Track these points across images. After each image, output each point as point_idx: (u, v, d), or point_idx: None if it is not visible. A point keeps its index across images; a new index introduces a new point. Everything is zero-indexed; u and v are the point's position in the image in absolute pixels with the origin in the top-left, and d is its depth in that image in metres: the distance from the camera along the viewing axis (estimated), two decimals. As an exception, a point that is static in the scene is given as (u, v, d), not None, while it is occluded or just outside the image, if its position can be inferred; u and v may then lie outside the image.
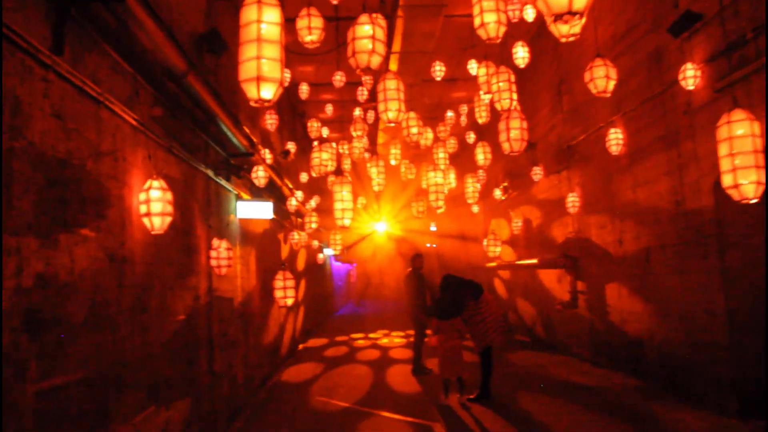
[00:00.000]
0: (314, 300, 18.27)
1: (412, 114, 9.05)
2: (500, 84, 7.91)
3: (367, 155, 15.75)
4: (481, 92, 10.33)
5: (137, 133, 4.28)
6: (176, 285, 5.07)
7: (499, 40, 7.44)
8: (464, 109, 13.82)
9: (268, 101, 4.06)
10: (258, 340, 8.89)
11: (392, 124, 6.78)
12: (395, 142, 13.42)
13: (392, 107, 6.55)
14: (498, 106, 8.09)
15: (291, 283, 8.38)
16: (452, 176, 13.72)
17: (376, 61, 5.07)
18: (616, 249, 8.83)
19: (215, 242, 5.83)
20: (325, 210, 19.71)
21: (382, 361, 11.71)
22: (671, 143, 7.29)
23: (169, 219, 4.07)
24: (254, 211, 7.76)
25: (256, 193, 8.70)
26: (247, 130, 7.45)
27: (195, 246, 5.71)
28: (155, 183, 4.00)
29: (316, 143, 10.43)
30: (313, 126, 12.54)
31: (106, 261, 3.61)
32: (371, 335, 16.15)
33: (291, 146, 13.37)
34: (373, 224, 26.17)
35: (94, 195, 3.53)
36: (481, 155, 11.46)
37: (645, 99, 7.85)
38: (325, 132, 14.31)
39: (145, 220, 3.98)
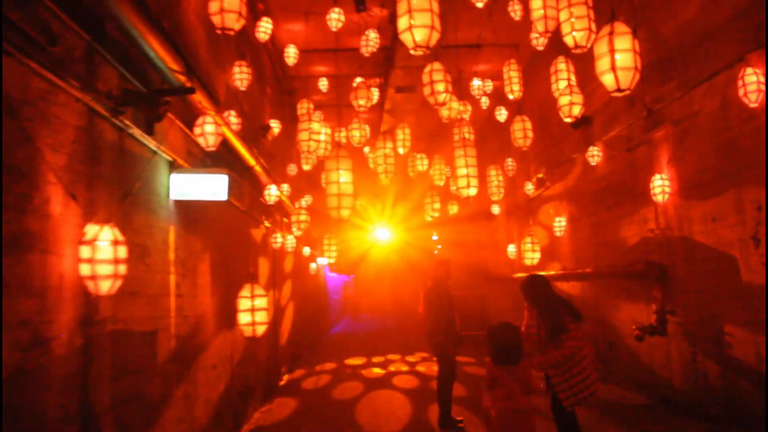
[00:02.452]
0: (304, 318, 15.32)
1: (437, 65, 6.37)
2: (573, 9, 5.14)
3: (367, 149, 13.03)
4: (535, 35, 7.66)
5: None
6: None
7: None
8: (488, 85, 10.95)
9: None
10: (212, 389, 5.95)
11: (420, 52, 4.16)
12: (403, 127, 10.69)
13: (420, 22, 3.95)
14: (569, 41, 5.34)
15: (263, 302, 5.64)
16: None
17: None
18: (745, 251, 5.91)
19: (91, 230, 2.93)
20: (318, 213, 16.85)
21: (390, 400, 8.78)
22: None
23: None
24: (198, 188, 4.82)
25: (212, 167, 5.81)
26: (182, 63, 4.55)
27: (33, 235, 2.79)
28: None
29: (304, 115, 7.64)
30: (304, 107, 9.77)
31: None
32: (373, 360, 13.15)
33: (275, 123, 10.50)
34: (373, 230, 23.22)
35: None
36: (520, 132, 8.62)
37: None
38: (317, 118, 11.60)
39: None
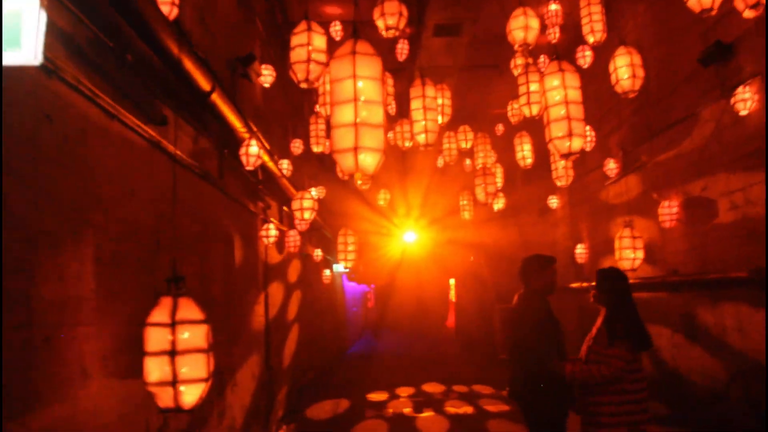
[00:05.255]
0: (316, 337, 12.22)
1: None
2: None
3: (391, 134, 10.05)
4: None
5: None
6: None
7: None
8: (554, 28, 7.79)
9: None
10: None
11: None
12: (442, 88, 7.68)
13: None
14: None
15: (198, 336, 2.49)
16: (527, 148, 8.21)
17: None
18: None
19: None
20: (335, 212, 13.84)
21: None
22: None
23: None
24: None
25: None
26: None
27: None
28: None
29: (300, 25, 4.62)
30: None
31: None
32: (402, 394, 9.92)
33: (267, 71, 7.48)
34: (397, 231, 20.04)
35: None
36: (626, 70, 5.62)
37: None
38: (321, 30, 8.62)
39: None
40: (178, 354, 2.71)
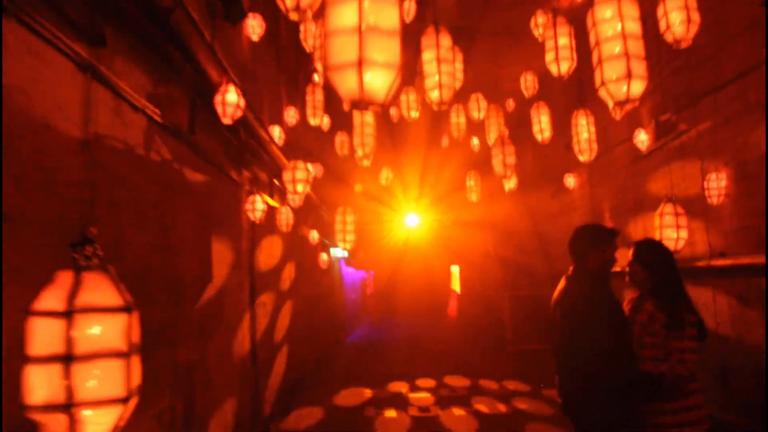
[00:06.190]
0: (312, 325, 11.22)
1: None
2: None
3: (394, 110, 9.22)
4: None
5: None
6: None
7: None
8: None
9: None
10: None
11: None
12: (455, 51, 6.50)
13: None
14: None
15: (113, 332, 1.29)
16: (545, 120, 7.34)
17: None
18: None
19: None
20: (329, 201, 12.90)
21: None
22: None
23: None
24: None
25: None
26: None
27: None
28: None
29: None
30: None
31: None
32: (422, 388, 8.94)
33: (255, 21, 6.44)
34: (398, 214, 19.04)
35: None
36: (679, 17, 4.71)
37: None
38: None
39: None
40: (77, 360, 1.73)
